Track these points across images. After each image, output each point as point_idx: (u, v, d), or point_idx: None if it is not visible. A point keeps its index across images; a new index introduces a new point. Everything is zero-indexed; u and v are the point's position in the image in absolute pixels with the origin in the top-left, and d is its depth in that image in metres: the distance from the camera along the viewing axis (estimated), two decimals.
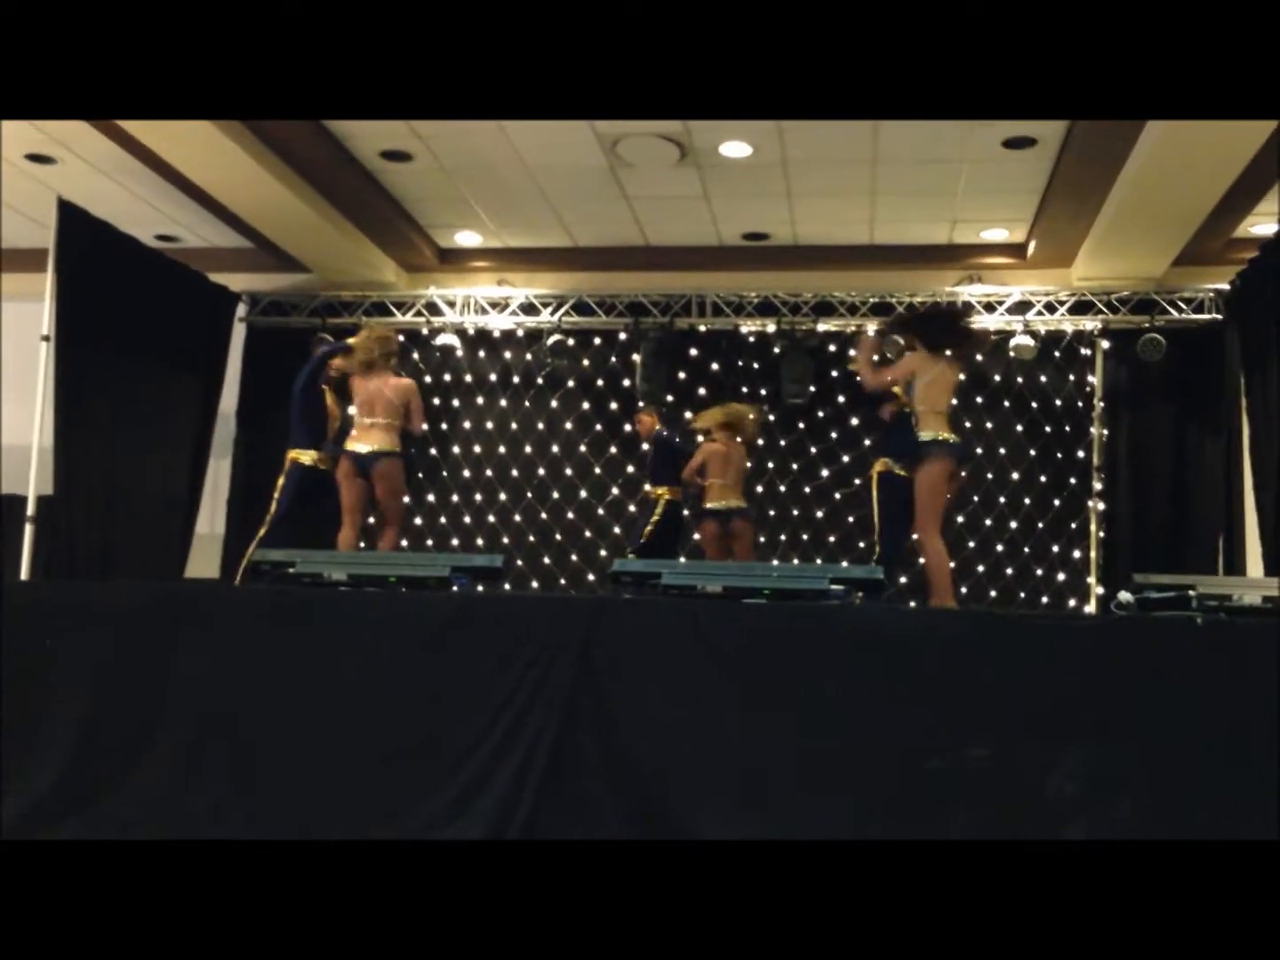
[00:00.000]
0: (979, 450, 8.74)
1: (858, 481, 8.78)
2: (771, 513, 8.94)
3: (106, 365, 7.66)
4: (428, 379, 9.41)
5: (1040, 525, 8.73)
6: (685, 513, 8.20)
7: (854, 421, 8.97)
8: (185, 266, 8.71)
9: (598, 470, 9.25)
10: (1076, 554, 8.72)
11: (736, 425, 7.79)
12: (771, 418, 9.03)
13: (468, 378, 9.50)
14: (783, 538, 8.92)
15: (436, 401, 9.40)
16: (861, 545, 8.57)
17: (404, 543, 8.62)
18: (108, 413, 7.72)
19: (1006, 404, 8.90)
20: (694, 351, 9.20)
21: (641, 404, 8.63)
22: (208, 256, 9.18)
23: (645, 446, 8.37)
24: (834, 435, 8.98)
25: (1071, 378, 8.89)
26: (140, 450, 8.07)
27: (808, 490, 8.98)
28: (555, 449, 9.34)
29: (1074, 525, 8.73)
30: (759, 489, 8.96)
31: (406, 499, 7.60)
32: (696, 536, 8.39)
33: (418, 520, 9.30)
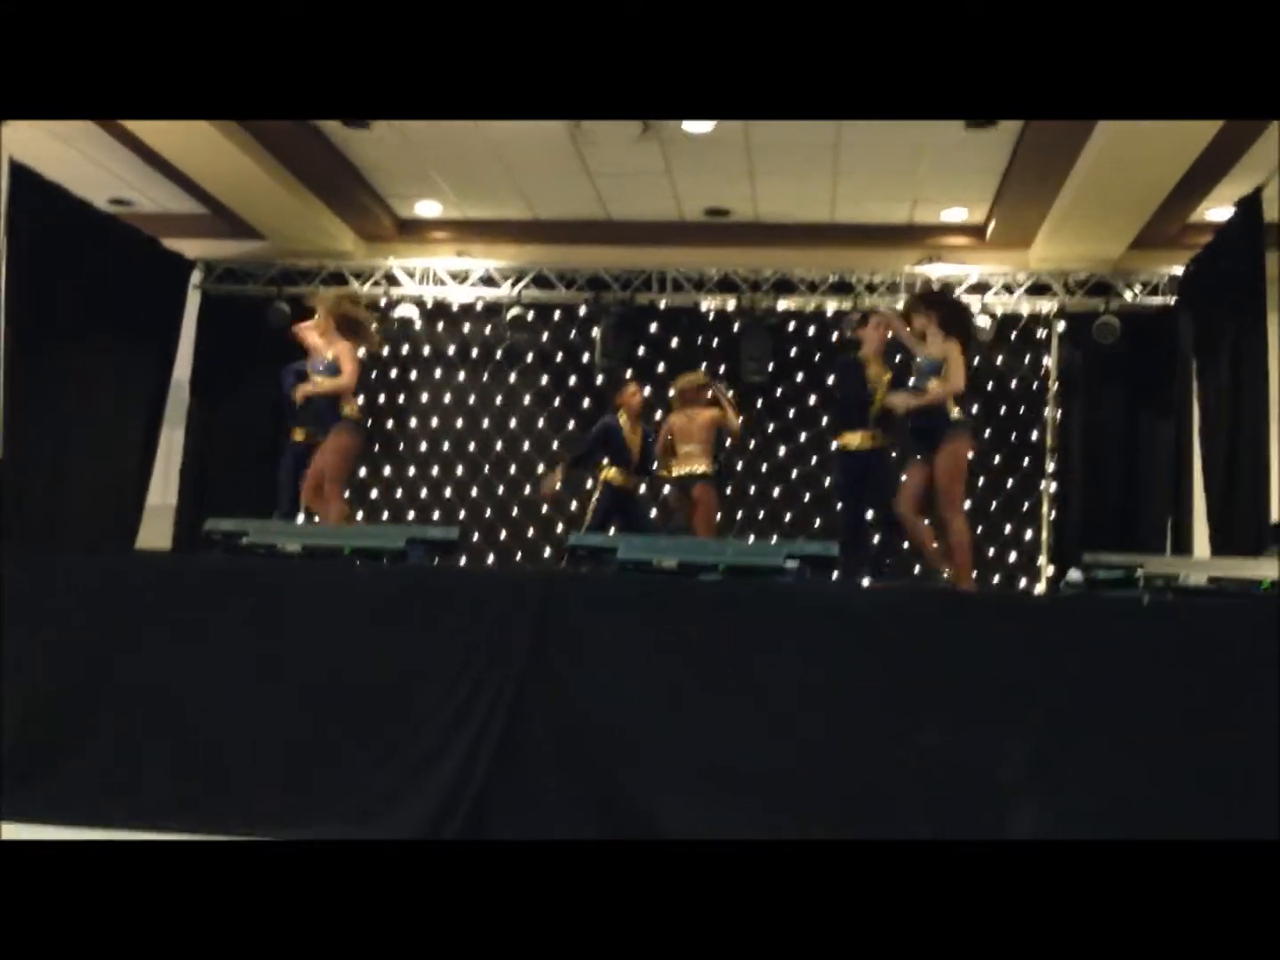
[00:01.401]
0: None
1: (815, 459, 8.84)
2: (728, 490, 8.97)
3: (57, 331, 7.53)
4: (385, 351, 9.35)
5: (993, 506, 8.81)
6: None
7: (812, 400, 9.00)
8: (139, 232, 8.58)
9: (555, 445, 9.22)
10: (1028, 534, 8.82)
11: (688, 392, 7.72)
12: (729, 394, 9.04)
13: (426, 350, 9.44)
14: (739, 514, 8.96)
15: (394, 374, 9.35)
16: (819, 523, 8.64)
17: (359, 515, 8.62)
18: (58, 380, 7.59)
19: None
20: (654, 327, 9.19)
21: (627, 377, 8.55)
22: (162, 221, 9.04)
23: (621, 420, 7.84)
24: (792, 413, 9.00)
25: (1027, 359, 8.97)
26: (91, 418, 7.96)
27: (765, 468, 9.01)
28: (513, 423, 9.31)
29: (1026, 506, 8.83)
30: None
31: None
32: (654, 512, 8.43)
33: (373, 493, 9.25)
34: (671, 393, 7.85)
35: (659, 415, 8.44)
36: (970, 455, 6.18)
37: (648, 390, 8.46)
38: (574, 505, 9.06)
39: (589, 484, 8.76)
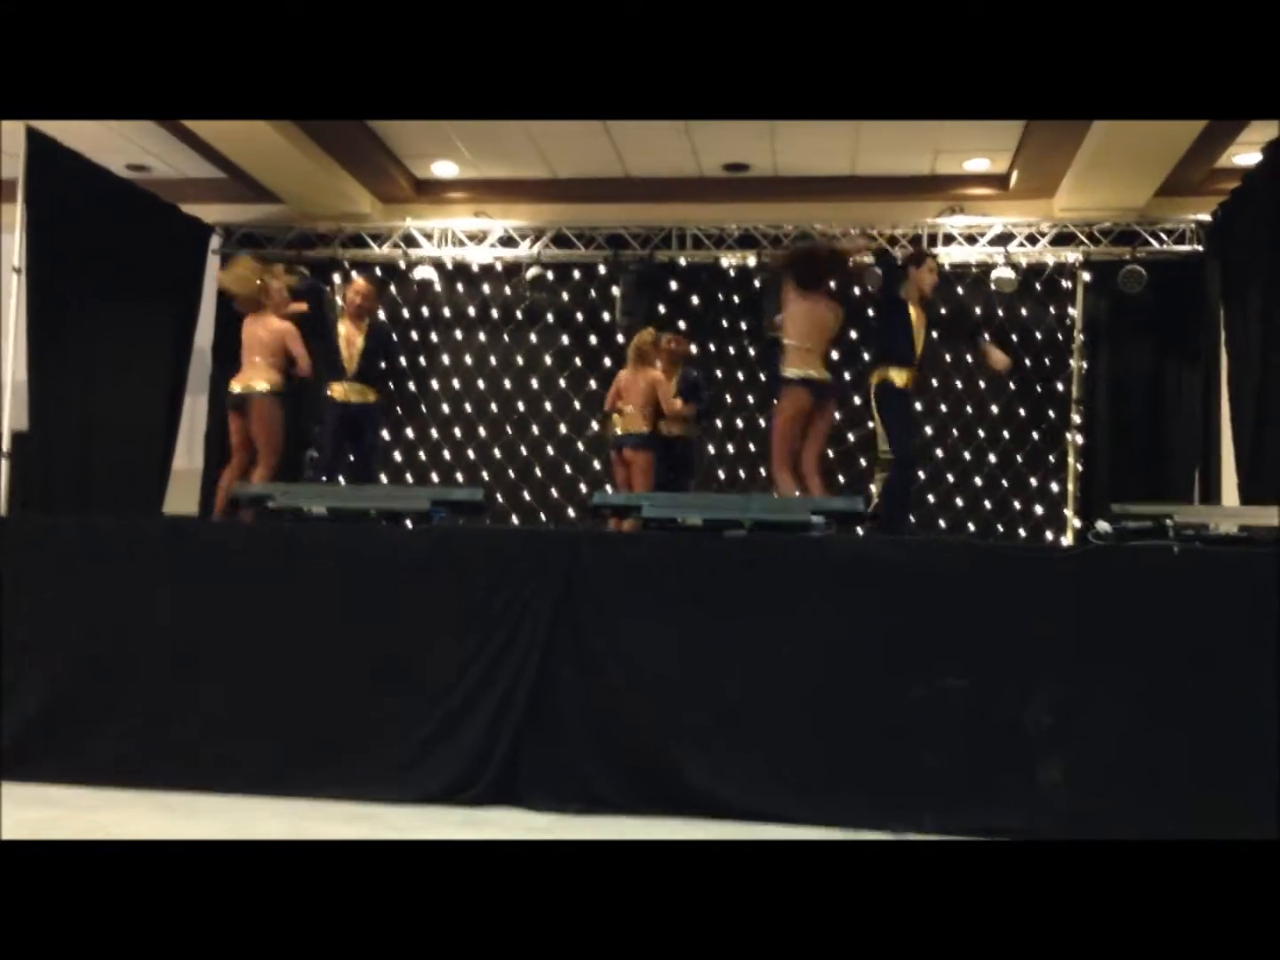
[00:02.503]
0: (958, 384, 8.77)
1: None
2: (752, 447, 8.94)
3: (79, 298, 7.55)
4: (405, 313, 9.34)
5: (1019, 458, 8.76)
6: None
7: (834, 356, 8.92)
8: (157, 198, 8.57)
9: (577, 405, 9.20)
10: (1054, 486, 8.76)
11: (643, 352, 7.55)
12: (752, 351, 9.00)
13: (445, 311, 9.41)
14: (762, 471, 8.92)
15: (414, 336, 9.34)
16: (842, 479, 8.60)
17: (383, 478, 8.63)
18: (81, 346, 7.62)
19: (986, 336, 8.87)
20: (674, 285, 9.13)
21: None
22: (180, 187, 9.03)
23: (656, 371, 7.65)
24: None
25: (1052, 310, 8.88)
26: (115, 385, 7.98)
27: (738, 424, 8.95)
28: (534, 383, 9.29)
29: (1052, 458, 8.76)
30: (739, 423, 8.95)
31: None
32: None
33: (396, 455, 9.27)
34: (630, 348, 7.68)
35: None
36: (794, 411, 6.20)
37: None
38: (596, 465, 9.06)
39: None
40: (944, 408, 8.76)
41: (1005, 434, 8.77)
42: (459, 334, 9.41)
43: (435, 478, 9.17)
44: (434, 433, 9.27)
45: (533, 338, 9.33)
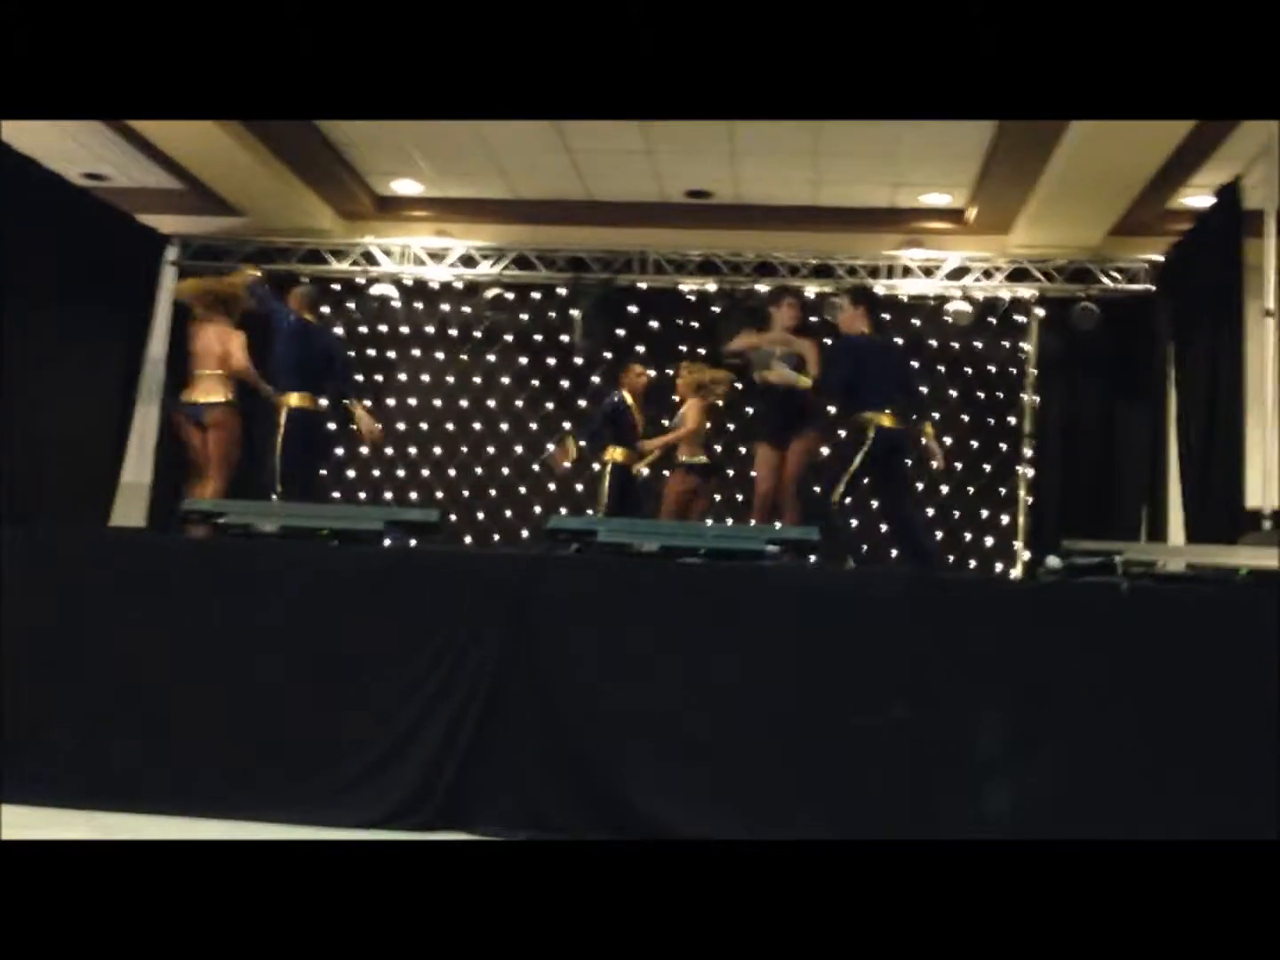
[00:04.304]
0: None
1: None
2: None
3: (30, 306, 7.44)
4: (363, 329, 9.29)
5: (970, 490, 8.84)
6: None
7: None
8: (114, 207, 8.48)
9: (534, 426, 9.19)
10: (1004, 519, 8.85)
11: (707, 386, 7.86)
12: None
13: (404, 329, 9.38)
14: (718, 498, 8.93)
15: (372, 353, 9.29)
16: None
17: (336, 494, 8.57)
18: (31, 355, 7.49)
19: (941, 369, 8.98)
20: (633, 309, 9.15)
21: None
22: (137, 196, 8.92)
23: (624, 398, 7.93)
24: None
25: (1005, 344, 8.99)
26: (64, 395, 7.86)
27: (743, 451, 8.99)
28: (491, 404, 9.26)
29: (1003, 491, 8.85)
30: None
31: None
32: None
33: (350, 473, 9.20)
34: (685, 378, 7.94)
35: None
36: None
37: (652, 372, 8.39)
38: (552, 487, 9.04)
39: (567, 464, 8.71)
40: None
41: (957, 465, 8.84)
42: (416, 352, 9.37)
43: (389, 495, 9.11)
44: (389, 450, 9.21)
45: (491, 358, 9.31)
